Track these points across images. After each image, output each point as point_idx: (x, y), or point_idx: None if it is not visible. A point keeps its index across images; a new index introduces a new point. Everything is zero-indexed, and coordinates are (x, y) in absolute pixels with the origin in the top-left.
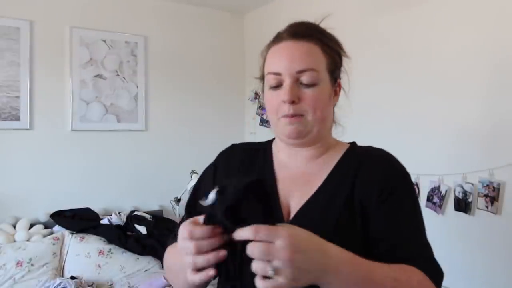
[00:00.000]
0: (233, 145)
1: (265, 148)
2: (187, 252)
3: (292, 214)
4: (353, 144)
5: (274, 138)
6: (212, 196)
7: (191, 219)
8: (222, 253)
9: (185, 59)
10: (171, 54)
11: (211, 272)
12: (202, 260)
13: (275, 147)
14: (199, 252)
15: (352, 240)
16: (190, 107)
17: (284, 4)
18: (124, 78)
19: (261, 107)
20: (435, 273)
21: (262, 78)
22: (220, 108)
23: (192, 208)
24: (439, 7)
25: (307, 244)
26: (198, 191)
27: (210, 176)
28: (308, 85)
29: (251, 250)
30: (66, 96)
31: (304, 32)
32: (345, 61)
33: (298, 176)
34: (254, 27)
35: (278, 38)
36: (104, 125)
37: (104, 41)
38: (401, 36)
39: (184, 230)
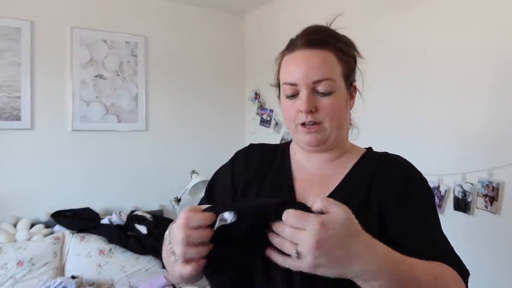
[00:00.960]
0: (251, 145)
1: (282, 149)
2: (178, 241)
3: None
4: (369, 149)
5: (291, 140)
6: (229, 216)
7: (192, 206)
8: (210, 246)
9: (185, 59)
10: (171, 54)
11: (201, 262)
12: (193, 252)
13: (292, 150)
14: (190, 244)
15: None
16: (190, 107)
17: (284, 4)
18: (124, 78)
19: (261, 107)
20: (462, 271)
21: (277, 85)
22: (220, 108)
23: (210, 195)
24: (440, 8)
25: (339, 234)
26: (214, 186)
27: (228, 173)
28: (325, 94)
29: (281, 230)
30: (66, 96)
31: (319, 40)
32: (359, 61)
33: (315, 177)
34: (254, 27)
35: (292, 46)
36: (104, 125)
37: (105, 41)
38: (402, 36)
39: (181, 215)
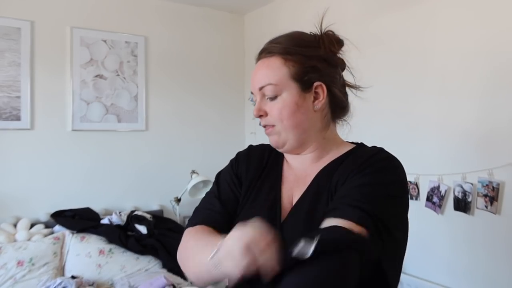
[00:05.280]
0: (250, 147)
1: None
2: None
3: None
4: (359, 145)
5: None
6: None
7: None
8: None
9: (185, 59)
10: (171, 54)
11: None
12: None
13: None
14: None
15: None
16: (190, 107)
17: (284, 4)
18: (124, 78)
19: None
20: (364, 223)
21: None
22: (220, 108)
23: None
24: (439, 7)
25: None
26: (220, 190)
27: (230, 171)
28: (271, 98)
29: None
30: (66, 96)
31: (266, 49)
32: (351, 58)
33: (300, 177)
34: (254, 27)
35: (256, 59)
36: (104, 125)
37: (105, 41)
38: (400, 36)
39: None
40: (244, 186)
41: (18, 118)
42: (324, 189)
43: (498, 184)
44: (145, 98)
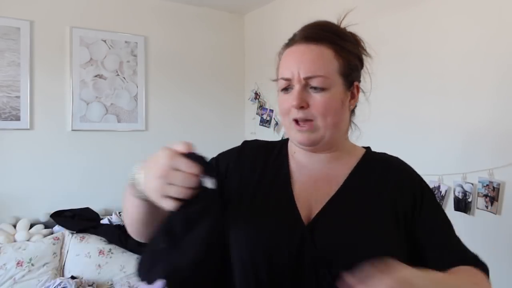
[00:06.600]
0: (245, 143)
1: (280, 147)
2: (160, 175)
3: (313, 216)
4: (368, 148)
5: (288, 139)
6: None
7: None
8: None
9: (185, 59)
10: (171, 54)
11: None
12: (174, 190)
13: (290, 148)
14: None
15: (381, 240)
16: (190, 107)
17: (284, 4)
18: (124, 78)
19: (261, 107)
20: (486, 268)
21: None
22: (220, 108)
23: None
24: (441, 7)
25: None
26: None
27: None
28: (317, 90)
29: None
30: (66, 96)
31: (316, 34)
32: (367, 61)
33: (319, 177)
34: (254, 27)
35: (292, 41)
36: (104, 125)
37: (104, 41)
38: (401, 36)
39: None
40: (232, 190)
41: (17, 118)
42: (363, 190)
43: (499, 184)
44: (145, 98)
